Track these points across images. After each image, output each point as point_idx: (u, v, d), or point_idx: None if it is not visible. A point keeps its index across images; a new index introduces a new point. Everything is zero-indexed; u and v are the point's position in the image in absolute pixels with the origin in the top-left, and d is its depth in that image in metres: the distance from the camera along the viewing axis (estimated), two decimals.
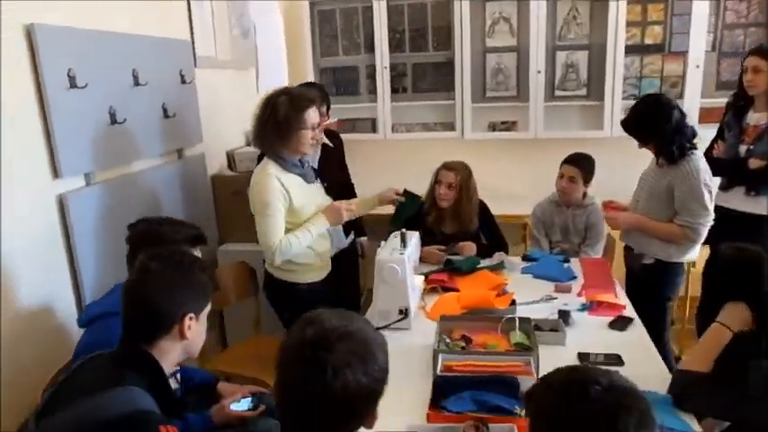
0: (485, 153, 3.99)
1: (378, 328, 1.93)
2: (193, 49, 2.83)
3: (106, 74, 2.14)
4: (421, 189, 2.78)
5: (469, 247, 2.72)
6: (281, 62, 4.00)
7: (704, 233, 2.36)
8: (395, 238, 2.17)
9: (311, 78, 4.13)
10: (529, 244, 3.21)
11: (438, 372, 1.62)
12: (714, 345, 1.52)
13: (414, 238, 2.28)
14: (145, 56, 2.38)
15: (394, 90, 4.07)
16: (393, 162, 4.28)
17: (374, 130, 4.14)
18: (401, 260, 2.02)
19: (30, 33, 1.82)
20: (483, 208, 2.91)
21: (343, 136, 4.06)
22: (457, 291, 2.35)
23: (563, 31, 3.90)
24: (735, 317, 1.52)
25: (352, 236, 2.91)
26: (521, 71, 3.94)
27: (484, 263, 2.61)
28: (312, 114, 2.18)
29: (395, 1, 3.95)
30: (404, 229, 2.17)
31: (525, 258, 2.75)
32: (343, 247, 2.71)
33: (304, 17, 4.04)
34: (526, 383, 1.54)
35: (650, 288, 2.49)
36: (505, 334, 1.90)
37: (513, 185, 3.97)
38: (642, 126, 2.41)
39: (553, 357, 1.82)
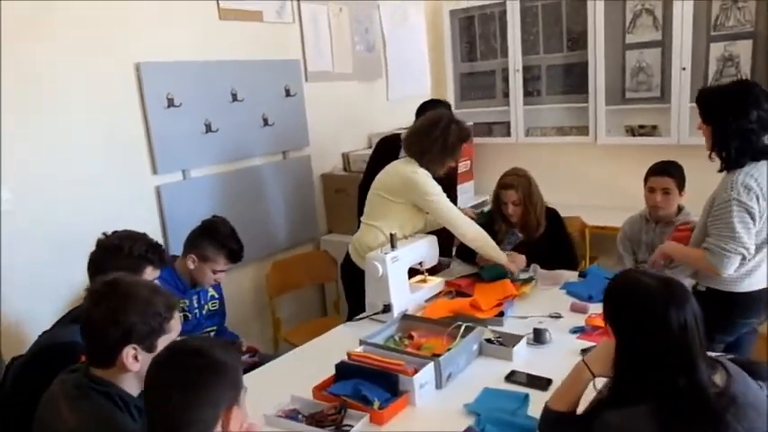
0: (621, 159, 3.72)
1: (358, 318, 2.21)
2: (305, 66, 3.36)
3: (202, 94, 2.79)
4: (551, 195, 2.85)
5: (520, 260, 2.68)
6: (417, 71, 4.29)
7: (729, 263, 1.99)
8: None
9: (450, 84, 4.35)
10: (614, 261, 2.95)
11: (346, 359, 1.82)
12: (572, 384, 1.41)
13: (420, 241, 2.42)
14: (244, 77, 2.98)
15: (528, 93, 4.03)
16: (526, 165, 4.20)
17: (508, 133, 4.16)
18: (382, 259, 2.22)
19: (138, 68, 2.55)
20: (553, 217, 2.81)
21: (477, 139, 4.24)
22: (470, 296, 2.41)
23: (720, 19, 3.37)
24: (599, 356, 1.39)
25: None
26: (665, 69, 3.53)
27: (524, 274, 2.57)
28: (462, 148, 2.54)
29: (529, 2, 3.91)
30: (393, 231, 2.33)
31: (580, 275, 2.61)
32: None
33: (445, 26, 4.28)
34: (405, 383, 1.67)
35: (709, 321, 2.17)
36: (452, 339, 1.96)
37: None
38: (711, 103, 2.09)
39: (481, 371, 1.86)
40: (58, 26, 2.30)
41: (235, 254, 2.32)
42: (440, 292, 2.48)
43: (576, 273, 2.64)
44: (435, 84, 4.42)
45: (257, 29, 3.07)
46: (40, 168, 2.30)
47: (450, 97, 4.38)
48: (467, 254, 2.90)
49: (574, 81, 3.88)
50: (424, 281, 2.50)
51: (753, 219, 1.99)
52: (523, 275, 2.54)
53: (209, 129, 2.84)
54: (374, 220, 2.51)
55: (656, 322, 1.25)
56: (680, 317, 1.24)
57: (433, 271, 2.87)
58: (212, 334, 2.48)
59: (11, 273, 2.20)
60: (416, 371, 1.71)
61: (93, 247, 2.48)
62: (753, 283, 2.07)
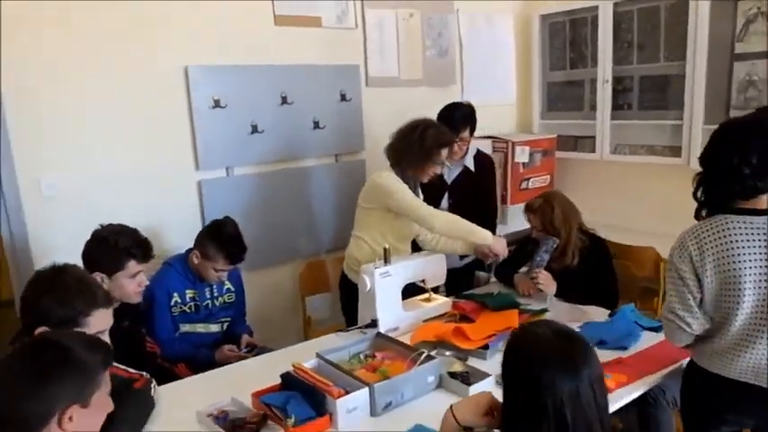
0: None
1: (346, 330, 2.19)
2: (366, 71, 3.37)
3: (250, 96, 2.92)
4: (634, 219, 2.63)
5: (548, 280, 2.45)
6: (500, 78, 4.08)
7: (669, 333, 1.73)
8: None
9: (537, 93, 4.10)
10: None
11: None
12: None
13: (420, 258, 2.31)
14: (296, 81, 3.06)
15: (618, 107, 3.66)
16: (609, 186, 3.84)
17: (594, 149, 3.80)
18: (371, 273, 2.16)
19: (186, 71, 2.74)
20: (596, 245, 2.54)
21: (559, 153, 3.96)
22: (472, 322, 2.25)
23: None
24: (467, 404, 1.26)
25: (469, 258, 2.94)
26: None
27: (537, 305, 2.34)
28: (444, 153, 2.48)
29: (624, 6, 3.54)
30: (386, 245, 2.24)
31: (611, 315, 2.31)
32: (455, 267, 2.85)
33: (534, 31, 4.03)
34: (331, 404, 1.62)
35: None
36: (413, 365, 1.85)
37: None
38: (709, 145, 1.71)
39: (433, 405, 1.73)
40: (114, 26, 2.54)
41: (234, 256, 2.40)
42: (444, 314, 2.35)
43: (608, 312, 2.35)
44: (521, 92, 4.18)
45: (315, 34, 3.14)
46: (87, 160, 2.56)
47: (536, 107, 4.14)
48: (503, 273, 2.74)
49: (670, 95, 3.43)
50: (428, 299, 2.38)
51: (686, 287, 1.64)
52: (536, 306, 2.32)
53: (255, 129, 2.96)
54: (358, 230, 2.52)
55: (537, 386, 1.08)
56: (569, 383, 1.05)
57: (468, 287, 2.76)
58: (226, 325, 2.60)
59: (50, 256, 2.48)
60: (346, 393, 1.65)
61: None
62: (732, 371, 1.66)
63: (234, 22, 2.85)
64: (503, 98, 4.13)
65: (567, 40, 3.91)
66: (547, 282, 2.46)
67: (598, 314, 2.35)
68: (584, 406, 1.05)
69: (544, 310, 2.30)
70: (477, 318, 2.27)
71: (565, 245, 2.49)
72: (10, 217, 2.40)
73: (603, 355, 1.96)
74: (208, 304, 2.52)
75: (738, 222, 1.58)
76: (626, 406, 1.85)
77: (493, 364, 1.93)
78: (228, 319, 2.62)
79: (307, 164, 3.21)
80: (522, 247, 2.69)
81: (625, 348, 2.04)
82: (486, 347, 2.02)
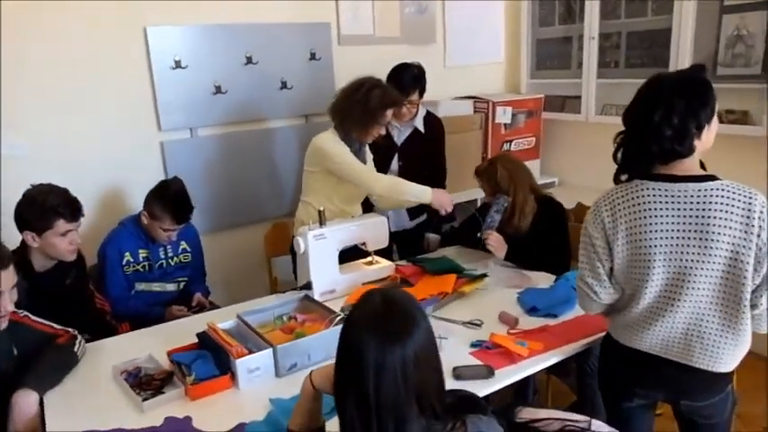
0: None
1: (283, 291, 2.20)
2: (338, 29, 3.29)
3: (212, 57, 2.90)
4: None
5: (498, 242, 2.41)
6: (488, 36, 3.93)
7: (581, 300, 1.68)
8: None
9: (525, 50, 3.94)
10: None
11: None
12: (301, 400, 1.30)
13: (358, 221, 2.29)
14: (261, 40, 3.02)
15: (605, 64, 3.50)
16: (595, 148, 3.67)
17: (580, 110, 3.66)
18: (305, 235, 2.16)
19: (145, 32, 2.74)
20: (549, 208, 2.47)
21: (546, 114, 3.84)
22: (411, 285, 2.24)
23: None
24: (323, 371, 1.26)
25: (420, 219, 2.92)
26: None
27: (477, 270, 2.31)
28: (389, 114, 2.44)
29: None
30: (321, 208, 2.22)
31: (556, 280, 2.26)
32: (405, 228, 2.85)
33: None
34: (234, 364, 1.65)
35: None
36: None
37: None
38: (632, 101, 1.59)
39: None
40: None
41: (180, 215, 2.42)
42: (387, 278, 2.34)
43: (554, 277, 2.30)
44: (510, 50, 4.03)
45: None
46: (50, 120, 2.60)
47: (524, 66, 3.99)
48: (454, 236, 2.71)
49: (657, 51, 3.25)
50: (370, 263, 2.37)
51: (596, 254, 1.58)
52: (475, 272, 2.28)
53: (218, 90, 2.95)
54: (305, 194, 2.52)
55: (353, 354, 1.06)
56: (377, 354, 1.03)
57: (418, 250, 2.75)
58: (183, 284, 2.66)
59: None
60: (250, 353, 1.67)
61: (99, 194, 2.82)
62: (642, 343, 1.59)
63: None
64: (491, 56, 3.99)
65: None
66: (497, 244, 2.42)
67: (543, 279, 2.30)
68: (389, 380, 1.01)
69: (484, 275, 2.26)
70: (417, 282, 2.26)
71: (512, 206, 2.43)
72: None
73: (531, 322, 1.95)
74: (162, 264, 2.58)
75: (653, 189, 1.49)
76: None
77: None
78: (185, 278, 2.67)
79: (274, 125, 3.20)
80: (476, 214, 2.63)
81: (555, 316, 2.00)
82: None
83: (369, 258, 2.39)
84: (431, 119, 2.89)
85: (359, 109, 2.35)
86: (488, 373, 1.66)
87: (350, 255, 2.39)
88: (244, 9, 2.97)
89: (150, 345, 1.90)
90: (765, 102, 2.79)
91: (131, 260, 2.50)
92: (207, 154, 3.01)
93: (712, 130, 1.49)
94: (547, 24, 3.84)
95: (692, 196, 1.45)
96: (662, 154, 1.47)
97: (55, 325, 1.89)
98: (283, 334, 1.86)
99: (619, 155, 1.56)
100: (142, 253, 2.52)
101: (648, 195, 1.49)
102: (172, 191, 2.44)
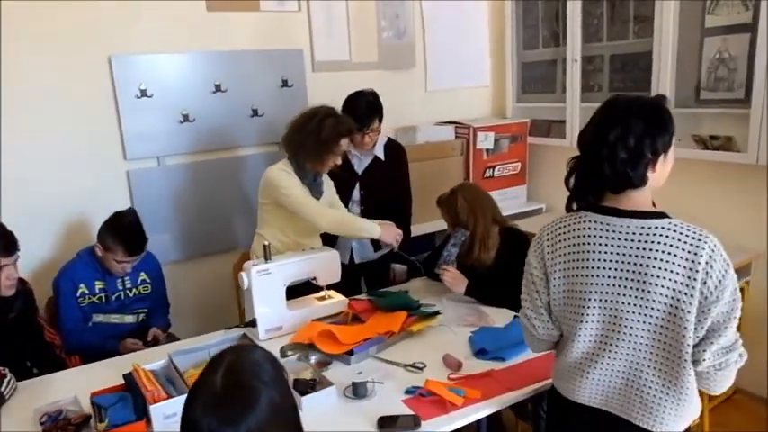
0: (688, 175, 2.93)
1: (228, 327, 2.15)
2: (312, 55, 3.26)
3: (179, 85, 2.88)
4: None
5: (454, 278, 2.32)
6: (473, 60, 3.86)
7: (526, 338, 1.61)
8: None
9: (510, 74, 3.86)
10: None
11: None
12: None
13: (307, 255, 2.22)
14: (230, 68, 3.00)
15: (588, 88, 3.40)
16: None
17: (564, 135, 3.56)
18: (248, 270, 2.09)
19: (110, 61, 2.74)
20: (513, 240, 2.37)
21: (531, 139, 3.74)
22: (361, 322, 2.16)
23: None
24: None
25: (385, 250, 2.84)
26: (753, 62, 2.66)
27: (430, 307, 2.21)
28: (344, 144, 2.39)
29: None
30: (266, 242, 2.16)
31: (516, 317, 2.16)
32: (370, 259, 2.78)
33: (507, 8, 3.78)
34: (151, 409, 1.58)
35: None
36: None
37: (724, 223, 2.78)
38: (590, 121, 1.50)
39: None
40: (44, 14, 2.56)
41: (132, 247, 2.38)
42: (339, 313, 2.26)
43: (513, 314, 2.19)
44: (495, 74, 3.95)
45: (252, 18, 3.06)
46: (17, 148, 2.60)
47: (509, 90, 3.90)
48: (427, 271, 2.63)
49: (639, 74, 3.14)
50: (322, 298, 2.30)
51: (534, 284, 1.49)
52: (431, 308, 2.19)
53: (186, 119, 2.93)
54: (259, 227, 2.47)
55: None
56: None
57: (385, 282, 2.68)
58: (141, 316, 2.62)
59: None
60: (169, 397, 1.61)
61: (64, 224, 2.80)
62: (580, 394, 1.46)
63: (162, 10, 2.82)
64: (476, 80, 3.91)
65: (540, 17, 3.64)
66: (452, 279, 2.33)
67: (502, 317, 2.19)
68: None
69: (436, 313, 2.17)
70: (368, 318, 2.18)
71: (472, 238, 2.35)
72: None
73: (477, 366, 1.85)
74: (120, 295, 2.54)
75: (595, 223, 1.38)
76: None
77: (352, 370, 1.84)
78: (145, 310, 2.62)
79: (245, 152, 3.16)
80: (442, 246, 2.55)
81: (503, 359, 1.89)
82: (351, 353, 1.92)
83: (321, 293, 2.31)
84: (392, 146, 2.82)
85: (312, 139, 2.30)
86: (414, 423, 1.57)
87: (308, 289, 2.33)
88: (212, 37, 2.96)
89: (93, 380, 1.84)
90: (749, 128, 2.65)
91: (86, 292, 2.46)
92: (175, 183, 2.98)
93: (668, 164, 1.37)
94: (531, 47, 3.76)
95: (633, 233, 1.33)
96: (614, 179, 1.34)
97: None
98: None
99: (571, 181, 1.44)
100: (98, 284, 2.49)
101: (589, 229, 1.38)
102: (124, 222, 2.40)
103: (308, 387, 1.73)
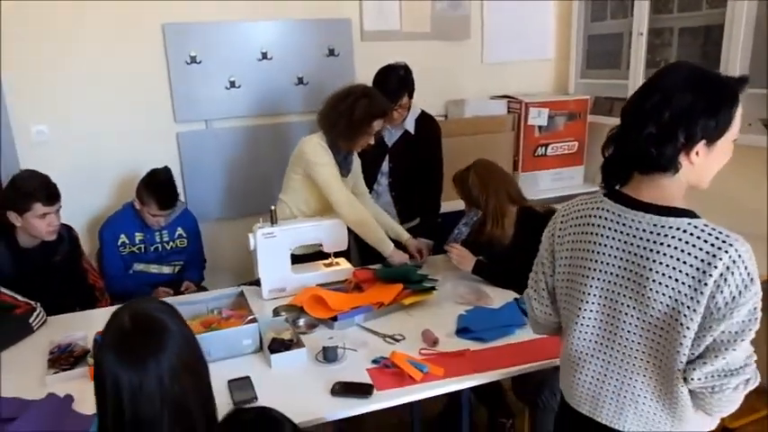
0: (755, 165, 2.65)
1: (241, 284, 2.28)
2: (361, 25, 3.27)
3: (227, 53, 3.02)
4: None
5: (461, 255, 2.28)
6: (535, 32, 3.66)
7: (528, 308, 1.50)
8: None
9: (574, 48, 3.65)
10: None
11: None
12: None
13: (313, 222, 2.27)
14: (277, 37, 3.09)
15: (654, 64, 3.13)
16: None
17: None
18: (255, 231, 2.19)
19: (163, 29, 2.92)
20: (528, 220, 2.29)
21: (592, 118, 3.56)
22: (361, 291, 2.20)
23: None
24: None
25: (412, 223, 2.83)
26: None
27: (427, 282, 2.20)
28: (378, 125, 2.37)
29: None
30: (273, 207, 2.22)
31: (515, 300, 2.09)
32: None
33: None
34: None
35: None
36: None
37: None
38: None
39: (241, 368, 1.76)
40: None
41: (163, 201, 2.57)
42: (343, 281, 2.31)
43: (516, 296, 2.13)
44: (559, 47, 3.73)
45: None
46: (75, 110, 2.87)
47: (573, 64, 3.69)
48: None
49: (711, 50, 2.84)
50: (329, 264, 2.35)
51: (541, 263, 1.39)
52: (426, 283, 2.17)
53: (232, 85, 3.07)
54: (283, 193, 2.49)
55: (106, 379, 1.01)
56: (130, 375, 0.99)
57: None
58: (177, 268, 2.82)
59: None
60: None
61: (118, 179, 3.06)
62: (572, 395, 1.36)
63: None
64: (538, 53, 3.72)
65: None
66: (459, 257, 2.29)
67: (503, 298, 2.13)
68: (145, 400, 0.98)
69: (432, 288, 2.15)
70: (367, 288, 2.20)
71: (484, 214, 2.28)
72: (6, 161, 2.81)
73: (454, 344, 1.83)
74: (158, 247, 2.75)
75: (606, 211, 1.23)
76: None
77: (337, 335, 1.89)
78: (181, 263, 2.83)
79: (290, 119, 3.26)
80: (454, 224, 2.50)
81: (483, 340, 1.85)
82: (334, 319, 1.97)
83: (329, 260, 2.36)
84: (424, 120, 2.76)
85: (344, 120, 2.29)
86: (365, 392, 1.59)
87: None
88: (259, 7, 3.05)
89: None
90: None
91: (127, 242, 2.70)
92: (221, 145, 3.15)
93: (716, 157, 1.16)
94: (599, 19, 3.50)
95: (643, 230, 1.17)
96: (637, 156, 1.17)
97: (18, 297, 2.10)
98: (201, 327, 1.91)
99: (606, 152, 1.27)
100: (138, 236, 2.71)
101: (599, 217, 1.24)
102: (159, 179, 2.59)
103: (282, 347, 1.80)
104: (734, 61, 2.65)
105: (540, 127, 3.44)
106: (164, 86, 3.00)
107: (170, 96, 3.02)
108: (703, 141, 1.12)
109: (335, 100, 2.37)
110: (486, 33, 3.55)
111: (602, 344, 1.26)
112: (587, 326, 1.28)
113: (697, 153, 1.13)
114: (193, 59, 2.98)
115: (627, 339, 1.21)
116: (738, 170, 2.54)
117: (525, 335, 1.87)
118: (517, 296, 2.13)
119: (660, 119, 1.12)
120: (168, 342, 1.03)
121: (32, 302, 2.12)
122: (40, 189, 2.22)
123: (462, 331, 1.91)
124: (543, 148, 3.49)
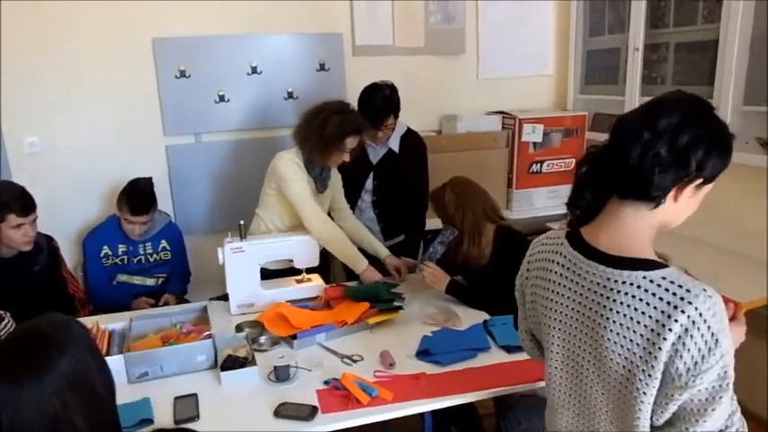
0: (750, 185, 2.54)
1: (212, 299, 2.27)
2: (353, 39, 3.26)
3: (216, 67, 3.04)
4: None
5: (434, 275, 2.23)
6: (533, 46, 3.61)
7: None
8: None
9: (573, 63, 3.59)
10: None
11: None
12: None
13: (283, 238, 2.25)
14: (267, 51, 3.10)
15: (651, 80, 3.05)
16: None
17: None
18: (223, 246, 2.17)
19: (153, 43, 2.96)
20: (504, 240, 2.22)
21: (590, 134, 3.49)
22: (330, 308, 2.16)
23: None
24: None
25: (396, 240, 2.79)
26: None
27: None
28: (351, 142, 2.32)
29: None
30: (242, 222, 2.20)
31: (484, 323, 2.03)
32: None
33: None
34: None
35: None
36: None
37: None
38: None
39: (189, 383, 1.74)
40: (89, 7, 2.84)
41: (134, 207, 2.60)
42: (314, 298, 2.27)
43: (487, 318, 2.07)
44: (558, 62, 3.67)
45: (292, 2, 3.12)
46: (66, 122, 2.92)
47: (571, 79, 3.62)
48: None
49: (705, 65, 2.75)
50: (301, 280, 2.32)
51: (519, 304, 1.35)
52: (397, 302, 2.12)
53: (222, 99, 3.09)
54: (259, 208, 2.48)
55: None
56: (12, 400, 0.93)
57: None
58: (161, 280, 2.83)
59: None
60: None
61: (107, 191, 3.10)
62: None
63: None
64: (536, 69, 3.66)
65: (607, 2, 3.31)
66: (432, 276, 2.23)
67: (472, 320, 2.06)
68: (24, 420, 0.92)
69: (399, 308, 2.10)
70: (336, 306, 2.16)
71: (460, 232, 2.23)
72: None
73: (410, 367, 1.78)
74: (141, 259, 2.77)
75: (565, 258, 1.14)
76: None
77: (293, 354, 1.86)
78: (164, 275, 2.84)
79: (279, 134, 3.25)
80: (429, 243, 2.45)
81: (441, 364, 1.79)
82: (294, 337, 1.93)
83: (300, 276, 2.34)
84: (410, 137, 2.73)
85: (315, 136, 2.27)
86: (308, 415, 1.55)
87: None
88: (250, 21, 3.07)
89: None
90: None
91: (110, 253, 2.72)
92: (210, 159, 3.16)
93: (694, 203, 1.06)
94: (597, 34, 3.43)
95: (597, 284, 1.07)
96: (630, 174, 1.03)
97: None
98: (159, 342, 1.89)
99: (582, 169, 1.14)
100: (121, 247, 2.73)
101: (557, 263, 1.16)
102: (137, 187, 2.62)
103: (236, 364, 1.77)
104: (728, 77, 2.55)
105: (534, 143, 3.37)
106: (153, 100, 3.03)
107: (160, 109, 3.05)
108: (701, 180, 1.02)
109: (309, 115, 2.34)
110: (482, 48, 3.51)
111: (571, 395, 1.19)
112: (557, 376, 1.21)
113: (685, 191, 1.02)
114: (183, 73, 3.01)
115: (590, 395, 1.14)
116: (738, 191, 2.49)
117: (488, 359, 1.82)
118: (487, 318, 2.08)
119: (676, 140, 0.99)
120: (56, 362, 0.99)
121: (1, 312, 2.14)
122: (14, 200, 2.24)
123: (422, 353, 1.85)
124: (538, 165, 3.41)
